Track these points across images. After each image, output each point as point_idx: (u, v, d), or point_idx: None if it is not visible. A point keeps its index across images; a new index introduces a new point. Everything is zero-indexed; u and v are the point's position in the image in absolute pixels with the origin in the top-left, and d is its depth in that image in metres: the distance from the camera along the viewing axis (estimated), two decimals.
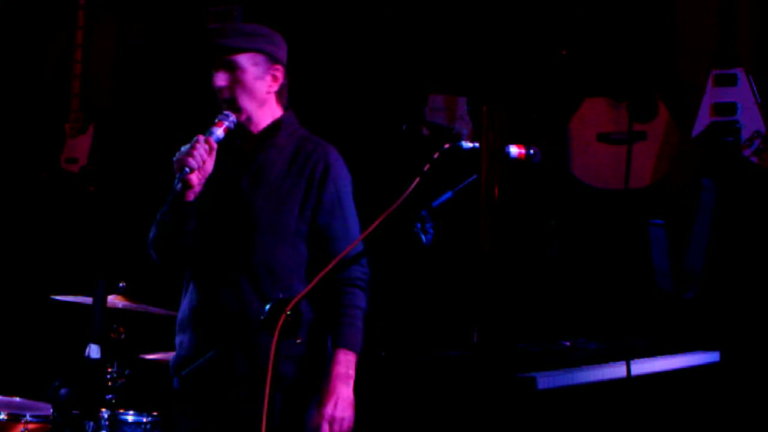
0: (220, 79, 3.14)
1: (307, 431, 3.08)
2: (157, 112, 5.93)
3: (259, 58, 3.16)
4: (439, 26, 5.10)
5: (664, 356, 3.53)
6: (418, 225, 2.55)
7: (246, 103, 3.16)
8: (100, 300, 4.03)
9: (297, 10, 5.48)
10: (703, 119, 4.39)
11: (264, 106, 3.20)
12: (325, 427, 3.02)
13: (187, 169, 2.99)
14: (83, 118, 6.22)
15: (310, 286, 2.62)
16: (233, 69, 3.14)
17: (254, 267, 3.09)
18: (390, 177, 4.63)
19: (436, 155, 2.60)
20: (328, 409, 3.03)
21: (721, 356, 3.77)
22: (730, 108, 4.35)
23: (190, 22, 5.79)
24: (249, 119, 3.18)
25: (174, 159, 3.03)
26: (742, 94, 4.34)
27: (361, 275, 3.16)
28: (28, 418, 3.86)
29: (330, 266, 2.69)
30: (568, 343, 3.60)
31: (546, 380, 2.95)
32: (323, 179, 3.15)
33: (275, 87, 3.20)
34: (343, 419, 3.04)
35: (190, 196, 3.04)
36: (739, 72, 4.36)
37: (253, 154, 3.19)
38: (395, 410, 3.63)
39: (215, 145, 3.05)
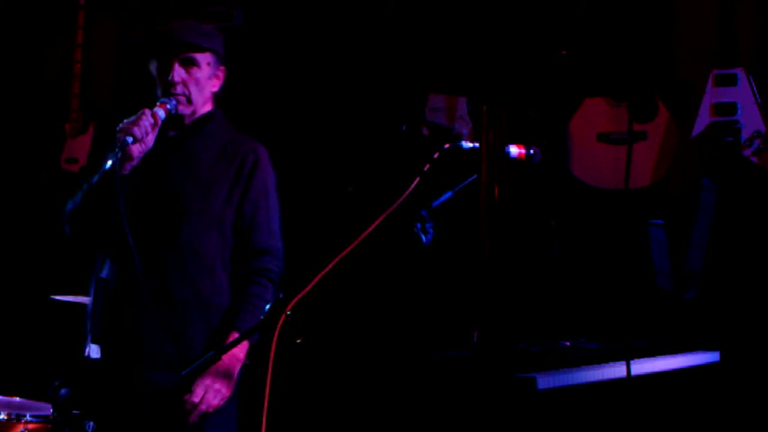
0: (178, 75, 3.18)
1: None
2: None
3: (212, 58, 3.25)
4: (438, 26, 5.10)
5: (664, 356, 3.52)
6: (418, 225, 2.55)
7: (197, 99, 3.23)
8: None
9: (297, 10, 5.48)
10: (703, 119, 4.39)
11: (206, 104, 3.28)
12: (200, 392, 3.06)
13: (130, 138, 2.99)
14: (83, 118, 6.22)
15: (310, 286, 2.60)
16: (191, 66, 3.20)
17: (180, 249, 3.13)
18: (390, 177, 4.63)
19: (436, 155, 2.60)
20: (208, 380, 3.07)
21: (721, 356, 3.76)
22: (730, 108, 4.35)
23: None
24: (193, 113, 3.24)
25: (117, 129, 3.03)
26: (742, 94, 4.34)
27: (275, 269, 3.23)
28: (28, 418, 3.85)
29: (331, 265, 2.69)
30: (568, 343, 3.60)
31: (546, 380, 2.94)
32: (252, 171, 3.23)
33: (217, 87, 3.29)
34: (218, 391, 3.08)
35: (127, 168, 3.04)
36: (739, 72, 4.36)
37: (184, 141, 3.25)
38: (395, 410, 3.63)
39: (159, 121, 3.09)
